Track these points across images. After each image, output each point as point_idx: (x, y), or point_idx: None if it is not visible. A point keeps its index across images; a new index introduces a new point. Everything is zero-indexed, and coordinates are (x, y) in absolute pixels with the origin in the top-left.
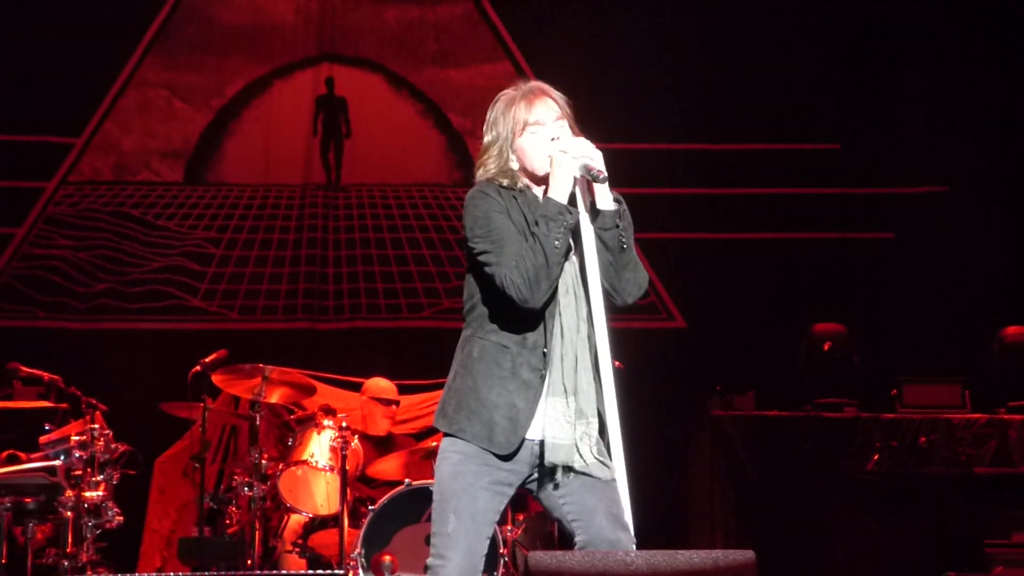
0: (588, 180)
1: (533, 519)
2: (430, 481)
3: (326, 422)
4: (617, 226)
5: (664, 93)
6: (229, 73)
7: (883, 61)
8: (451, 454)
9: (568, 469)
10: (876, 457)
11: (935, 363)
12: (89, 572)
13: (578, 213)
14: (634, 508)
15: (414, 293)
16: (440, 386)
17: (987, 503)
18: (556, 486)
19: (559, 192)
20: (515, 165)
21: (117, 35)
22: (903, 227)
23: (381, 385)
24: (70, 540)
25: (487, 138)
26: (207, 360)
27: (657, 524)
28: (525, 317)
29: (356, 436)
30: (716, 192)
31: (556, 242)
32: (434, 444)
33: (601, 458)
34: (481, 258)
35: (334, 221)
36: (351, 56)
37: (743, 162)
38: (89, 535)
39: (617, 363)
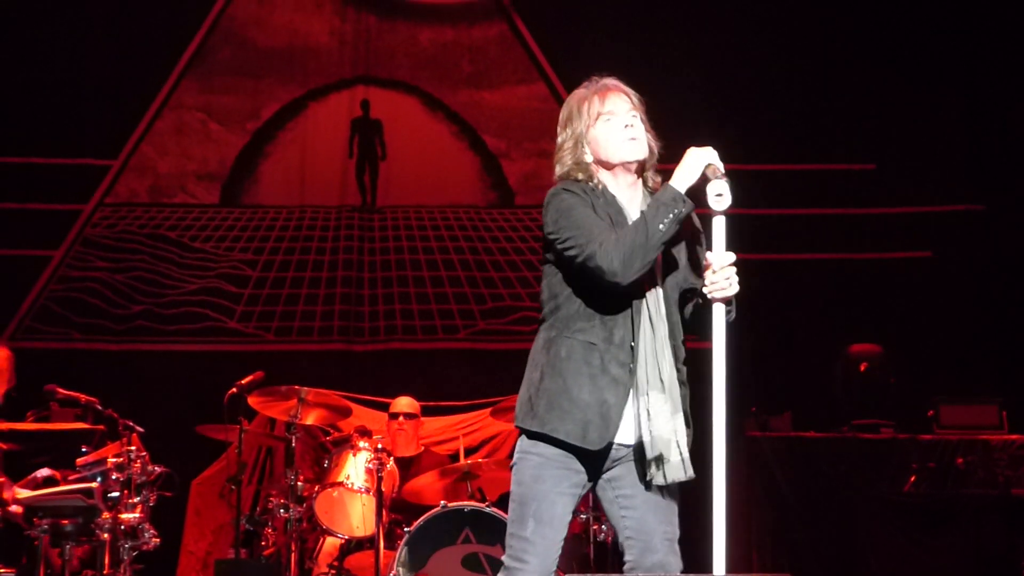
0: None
1: (569, 541)
2: (466, 503)
3: (362, 444)
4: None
5: (699, 113)
6: (265, 95)
7: (918, 79)
8: (532, 456)
9: (660, 463)
10: (913, 478)
11: (972, 383)
12: None
13: (692, 205)
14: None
15: (449, 315)
16: (476, 407)
17: None
18: (640, 482)
19: (680, 181)
20: (589, 158)
21: (153, 58)
22: (940, 246)
23: (401, 400)
24: (107, 562)
25: (562, 135)
26: (244, 382)
27: (693, 546)
28: (614, 311)
29: (392, 458)
30: (752, 212)
31: (661, 225)
32: (468, 462)
33: (687, 458)
34: (567, 244)
35: (369, 243)
36: (386, 78)
37: (779, 183)
38: (126, 557)
39: None
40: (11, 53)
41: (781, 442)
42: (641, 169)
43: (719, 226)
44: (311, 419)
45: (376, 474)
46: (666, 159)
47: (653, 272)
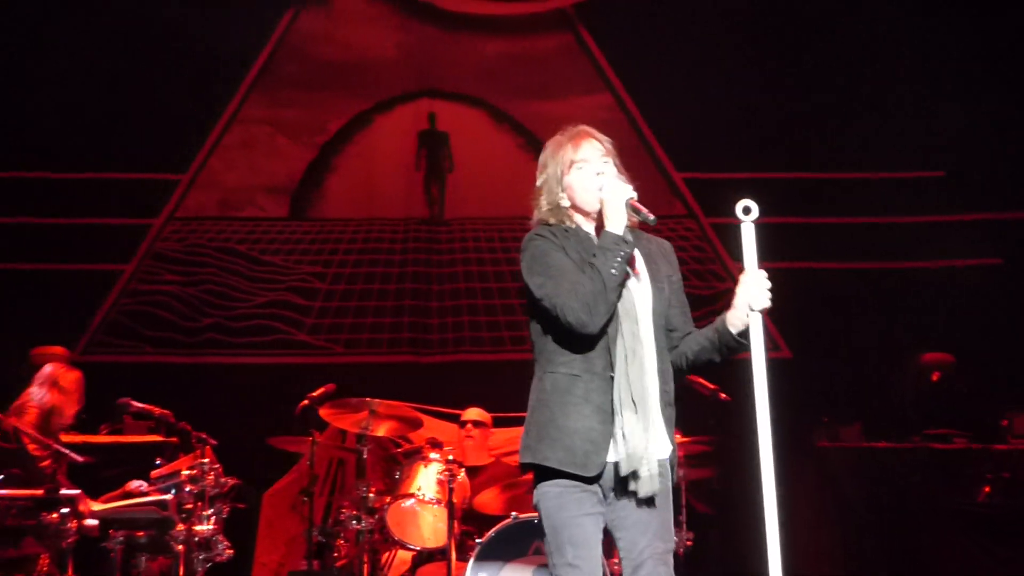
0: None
1: None
2: (535, 515)
3: (432, 455)
4: (613, 242)
5: (767, 121)
6: (331, 109)
7: (988, 86)
8: (549, 488)
9: (635, 479)
10: (987, 489)
11: None
12: None
13: (634, 243)
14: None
15: (516, 326)
16: None
17: None
18: (630, 503)
19: (615, 225)
20: (565, 203)
21: (221, 73)
22: (1011, 253)
23: (471, 409)
24: (181, 573)
25: (539, 180)
26: (315, 394)
27: (762, 556)
28: (591, 346)
29: (463, 469)
30: (822, 221)
31: (613, 270)
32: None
33: (656, 473)
34: (540, 292)
35: (437, 255)
36: (452, 90)
37: (848, 190)
38: (200, 568)
39: (723, 395)
40: (82, 70)
41: (851, 452)
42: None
43: (748, 237)
44: (382, 431)
45: (447, 485)
46: (734, 167)
47: (628, 303)
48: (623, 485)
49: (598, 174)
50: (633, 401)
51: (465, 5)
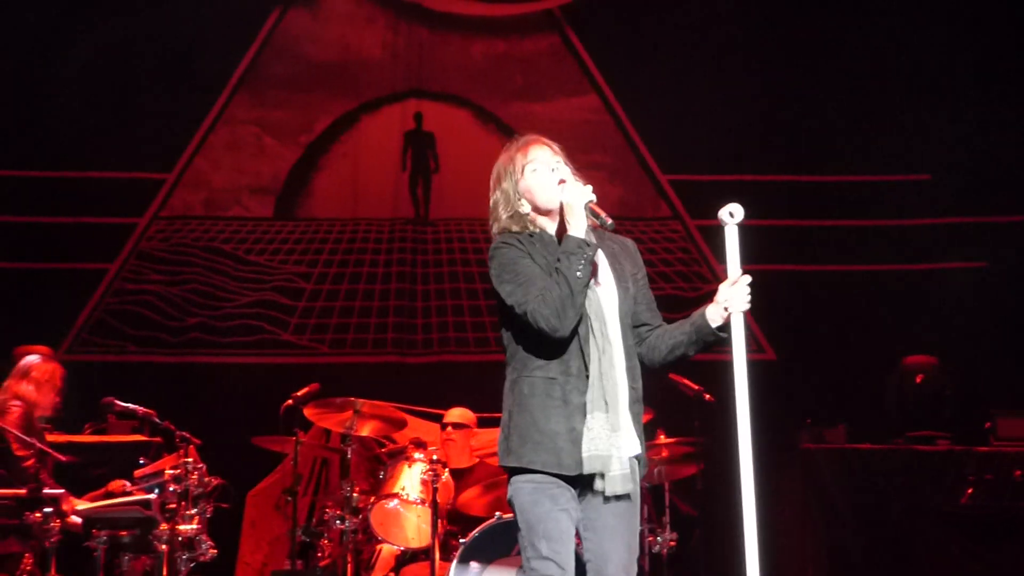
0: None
1: None
2: None
3: (417, 455)
4: (577, 247)
5: (753, 124)
6: (317, 109)
7: (973, 90)
8: (523, 484)
9: (601, 479)
10: (970, 491)
11: None
12: None
13: (596, 245)
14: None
15: None
16: None
17: None
18: (602, 504)
19: (576, 228)
20: (524, 208)
21: (207, 73)
22: (995, 256)
23: (453, 411)
24: (164, 573)
25: (493, 196)
26: (299, 394)
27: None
28: (564, 348)
29: (447, 469)
30: (806, 224)
31: (578, 273)
32: None
33: (628, 472)
34: (510, 300)
35: (423, 255)
36: (438, 91)
37: (834, 193)
38: (183, 568)
39: (707, 396)
40: (67, 68)
41: (836, 454)
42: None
43: (732, 241)
44: (366, 431)
45: (431, 485)
46: (719, 170)
47: (596, 304)
48: (592, 484)
49: (552, 170)
50: (605, 401)
51: (452, 5)
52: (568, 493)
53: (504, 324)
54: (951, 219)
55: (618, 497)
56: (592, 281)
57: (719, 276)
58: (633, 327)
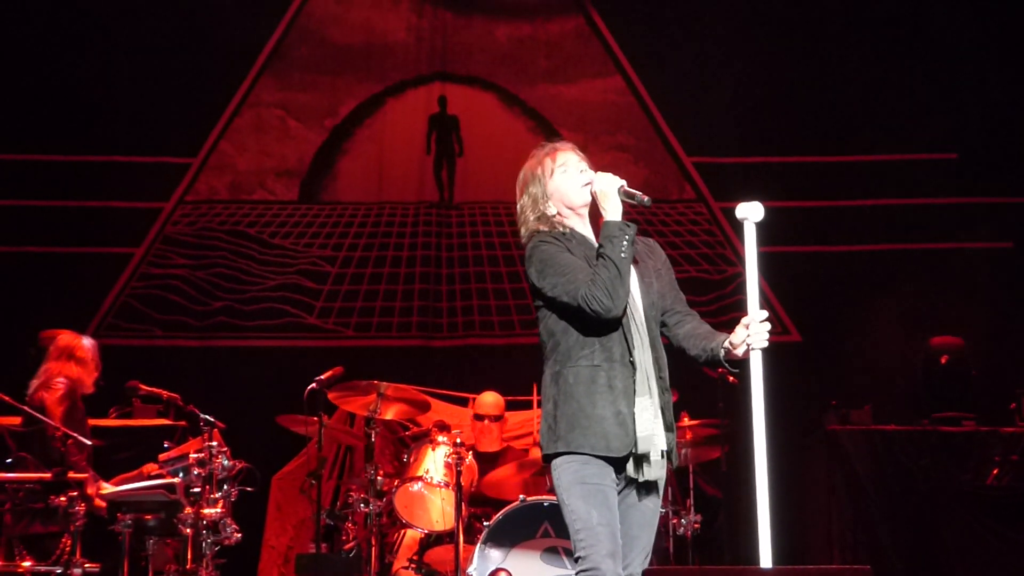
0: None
1: None
2: (544, 497)
3: (440, 438)
4: (620, 232)
5: (777, 105)
6: (342, 92)
7: (1001, 69)
8: (568, 464)
9: (645, 460)
10: (995, 471)
11: None
12: None
13: (635, 226)
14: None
15: (527, 310)
16: None
17: None
18: (628, 502)
19: (613, 213)
20: (551, 210)
21: (232, 56)
22: (1021, 236)
23: (487, 401)
24: (189, 557)
25: (521, 200)
26: (323, 377)
27: (773, 540)
28: (606, 335)
29: (471, 452)
30: (832, 204)
31: (623, 253)
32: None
33: (661, 459)
34: (556, 291)
35: (447, 239)
36: (463, 74)
37: (859, 173)
38: (208, 552)
39: (731, 378)
40: (93, 53)
41: (861, 435)
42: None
43: (750, 240)
44: (390, 414)
45: (455, 468)
46: (744, 152)
47: (632, 297)
48: (632, 469)
49: (581, 172)
50: (649, 387)
51: None
52: (612, 473)
53: (546, 318)
54: (977, 199)
55: (648, 486)
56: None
57: (743, 258)
58: (662, 316)
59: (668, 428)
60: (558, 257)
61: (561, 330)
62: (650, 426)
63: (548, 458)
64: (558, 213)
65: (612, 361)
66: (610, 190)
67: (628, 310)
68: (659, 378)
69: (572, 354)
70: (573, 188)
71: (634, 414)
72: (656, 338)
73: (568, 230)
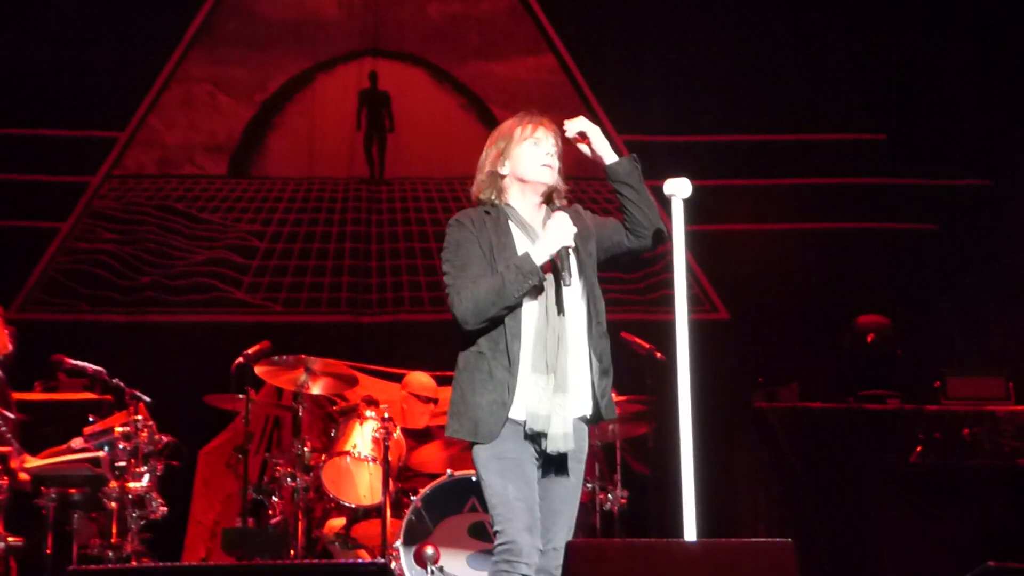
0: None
1: None
2: (471, 472)
3: (368, 413)
4: (636, 165)
5: (706, 84)
6: (272, 67)
7: (931, 51)
8: (483, 450)
9: (544, 435)
10: (919, 449)
11: (980, 355)
12: (134, 562)
13: (544, 281)
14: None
15: None
16: None
17: None
18: (551, 477)
19: (541, 254)
20: (506, 170)
21: (160, 30)
22: (946, 219)
23: (421, 381)
24: (114, 531)
25: (486, 152)
26: (250, 351)
27: (699, 515)
28: (498, 324)
29: (398, 427)
30: (760, 183)
31: (516, 293)
32: None
33: (570, 431)
34: (445, 278)
35: (377, 215)
36: (394, 50)
37: (787, 152)
38: (134, 526)
39: (658, 354)
40: (19, 25)
41: (788, 413)
42: (548, 197)
43: (677, 216)
44: (318, 389)
45: (383, 443)
46: (673, 130)
47: (556, 279)
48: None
49: (547, 154)
50: (546, 363)
51: None
52: (530, 448)
53: None
54: (905, 180)
55: (569, 459)
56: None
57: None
58: (617, 250)
59: (587, 400)
60: (462, 247)
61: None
62: (539, 404)
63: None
64: (508, 176)
65: (496, 350)
66: (557, 240)
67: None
68: (595, 323)
69: (466, 338)
70: (532, 164)
71: (510, 405)
72: (594, 284)
73: (501, 205)
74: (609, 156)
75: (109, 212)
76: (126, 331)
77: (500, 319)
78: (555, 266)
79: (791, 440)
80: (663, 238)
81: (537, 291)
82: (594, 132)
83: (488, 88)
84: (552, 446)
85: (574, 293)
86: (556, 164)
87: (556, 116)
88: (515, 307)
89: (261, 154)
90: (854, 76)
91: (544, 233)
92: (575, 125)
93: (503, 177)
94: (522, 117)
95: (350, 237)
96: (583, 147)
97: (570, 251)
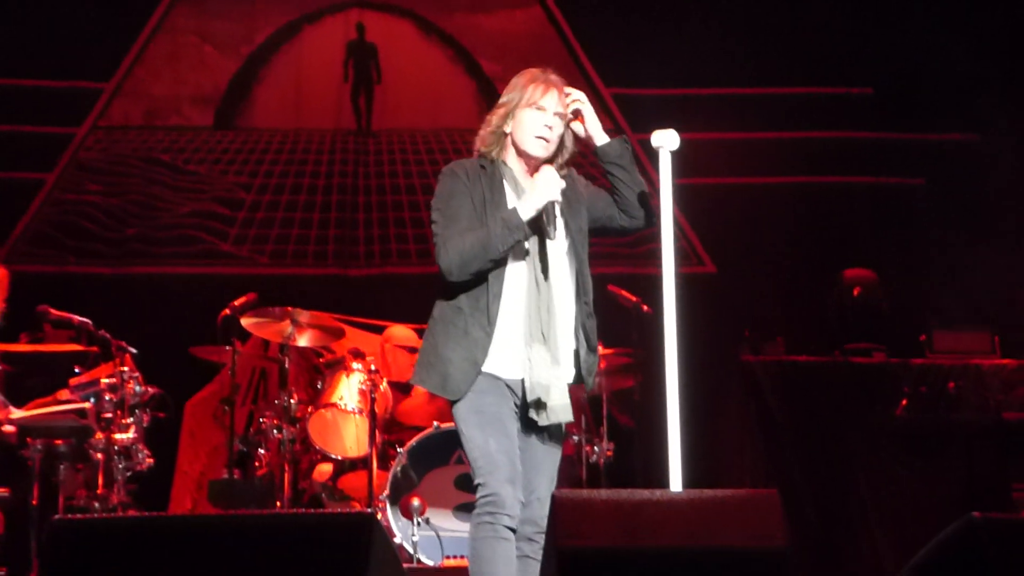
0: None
1: (561, 462)
2: None
3: (355, 365)
4: (627, 146)
5: (694, 37)
6: (259, 18)
7: (917, 5)
8: (467, 396)
9: (542, 406)
10: (904, 403)
11: (965, 309)
12: (120, 513)
13: (531, 235)
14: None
15: None
16: None
17: (1015, 449)
18: (531, 429)
19: (528, 209)
20: (507, 129)
21: None
22: (933, 173)
23: (402, 333)
24: (101, 482)
25: (503, 97)
26: (237, 303)
27: (685, 468)
28: (480, 282)
29: (384, 379)
30: (747, 136)
31: (502, 247)
32: None
33: (567, 403)
34: (433, 227)
35: (364, 167)
36: (381, 2)
37: (775, 106)
38: (120, 477)
39: (645, 307)
40: None
41: (774, 367)
42: (549, 162)
43: (665, 168)
44: (304, 340)
45: (369, 395)
46: (660, 84)
47: (542, 245)
48: (532, 412)
49: (545, 126)
50: (543, 334)
51: None
52: (511, 401)
53: None
54: (891, 134)
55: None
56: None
57: (659, 190)
58: (610, 224)
59: (586, 349)
60: (453, 198)
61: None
62: (543, 375)
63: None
64: (509, 134)
65: (475, 308)
66: (544, 195)
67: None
68: (583, 302)
69: (446, 289)
70: (528, 134)
71: (481, 364)
72: (583, 260)
73: (499, 162)
74: (600, 137)
75: (95, 164)
76: (112, 283)
77: (484, 275)
78: (540, 225)
79: (777, 393)
80: (653, 220)
81: (523, 252)
82: (588, 111)
83: (476, 40)
84: (553, 417)
85: (561, 263)
86: (555, 134)
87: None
88: (500, 262)
89: (247, 106)
90: (841, 30)
91: (530, 187)
92: (573, 101)
93: (506, 135)
94: (534, 76)
95: (337, 189)
96: (577, 126)
97: (556, 204)
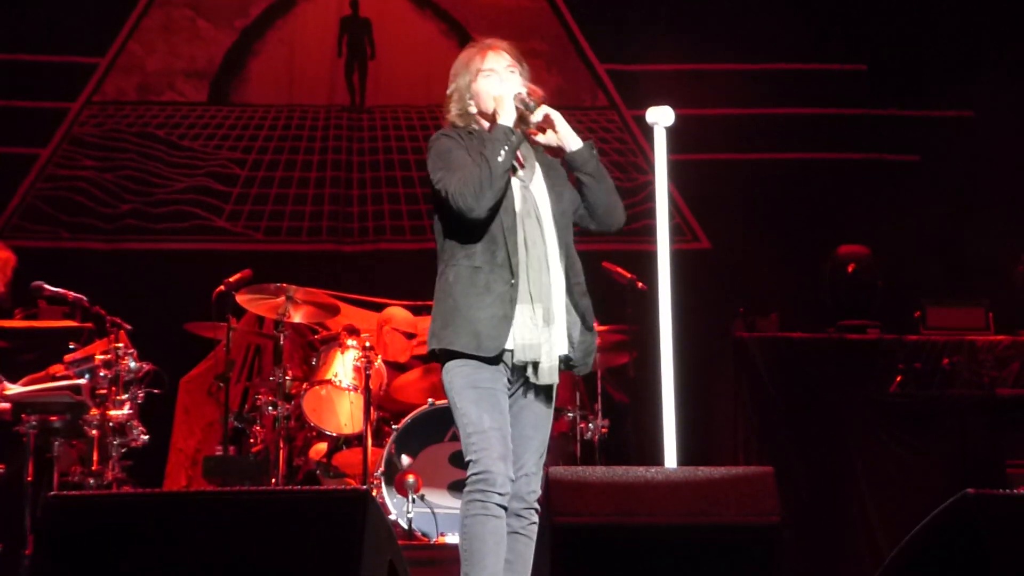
0: (540, 127)
1: (556, 439)
2: None
3: (350, 342)
4: (593, 152)
5: (688, 13)
6: None
7: None
8: (460, 368)
9: (535, 366)
10: (899, 379)
11: (959, 286)
12: (115, 490)
13: (521, 135)
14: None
15: None
16: None
17: (1009, 425)
18: (521, 404)
19: (504, 118)
20: (472, 109)
21: None
22: (928, 150)
23: (401, 316)
24: (95, 458)
25: (450, 88)
26: (231, 279)
27: (679, 444)
28: (491, 239)
29: (379, 356)
30: (741, 112)
31: (499, 157)
32: None
33: (555, 364)
34: (439, 184)
35: (358, 143)
36: None
37: (769, 82)
38: (115, 453)
39: (640, 284)
40: None
41: (768, 343)
42: (521, 117)
43: (660, 144)
44: (299, 317)
45: (364, 372)
46: (655, 59)
47: (529, 203)
48: (522, 374)
49: (503, 81)
50: (530, 294)
51: None
52: (503, 377)
53: (436, 213)
54: (885, 111)
55: (539, 390)
56: (524, 177)
57: (654, 167)
58: (582, 221)
59: (566, 337)
60: (451, 152)
61: (449, 230)
62: (530, 335)
63: (434, 357)
64: (478, 113)
65: (493, 264)
66: (506, 95)
67: (519, 218)
68: (575, 283)
69: (456, 253)
70: (488, 98)
71: (512, 319)
72: (569, 244)
73: (479, 129)
74: (572, 143)
75: (89, 139)
76: (106, 258)
77: (496, 209)
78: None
79: (771, 370)
80: (621, 225)
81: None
82: (558, 118)
83: (469, 15)
84: (541, 378)
85: (550, 228)
86: (518, 81)
87: (538, 44)
88: (506, 188)
89: (242, 81)
90: (835, 5)
91: (496, 101)
92: (539, 112)
93: (474, 113)
94: (469, 51)
95: (331, 165)
96: (548, 135)
97: (522, 90)
